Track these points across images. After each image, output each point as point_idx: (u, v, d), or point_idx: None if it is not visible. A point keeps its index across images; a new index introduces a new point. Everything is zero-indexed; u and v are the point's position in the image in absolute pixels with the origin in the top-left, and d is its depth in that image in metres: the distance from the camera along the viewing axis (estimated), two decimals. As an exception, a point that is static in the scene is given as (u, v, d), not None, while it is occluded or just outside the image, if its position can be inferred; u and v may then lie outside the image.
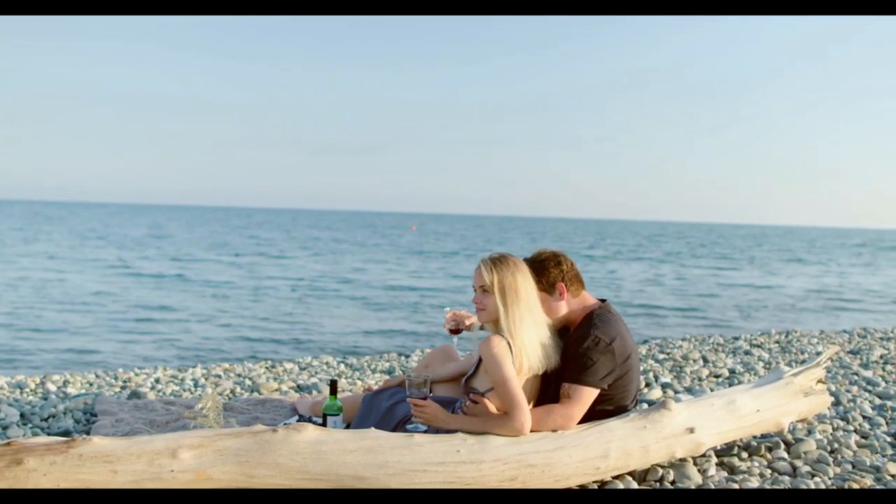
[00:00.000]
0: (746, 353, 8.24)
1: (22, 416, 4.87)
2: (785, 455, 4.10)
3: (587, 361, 3.42)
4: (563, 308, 3.66)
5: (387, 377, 6.64)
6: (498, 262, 3.41)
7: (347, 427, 4.00)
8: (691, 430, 3.65)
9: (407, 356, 8.21)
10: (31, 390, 5.88)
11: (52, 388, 5.94)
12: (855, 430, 4.71)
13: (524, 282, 3.39)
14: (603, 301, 3.77)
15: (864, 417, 5.04)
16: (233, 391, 5.84)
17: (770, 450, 4.19)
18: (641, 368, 6.77)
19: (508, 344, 3.29)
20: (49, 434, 4.50)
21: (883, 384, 6.26)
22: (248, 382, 6.23)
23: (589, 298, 3.72)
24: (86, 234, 48.54)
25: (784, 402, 4.16)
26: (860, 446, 4.37)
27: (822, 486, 3.65)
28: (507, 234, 77.19)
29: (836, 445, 4.31)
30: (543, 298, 3.58)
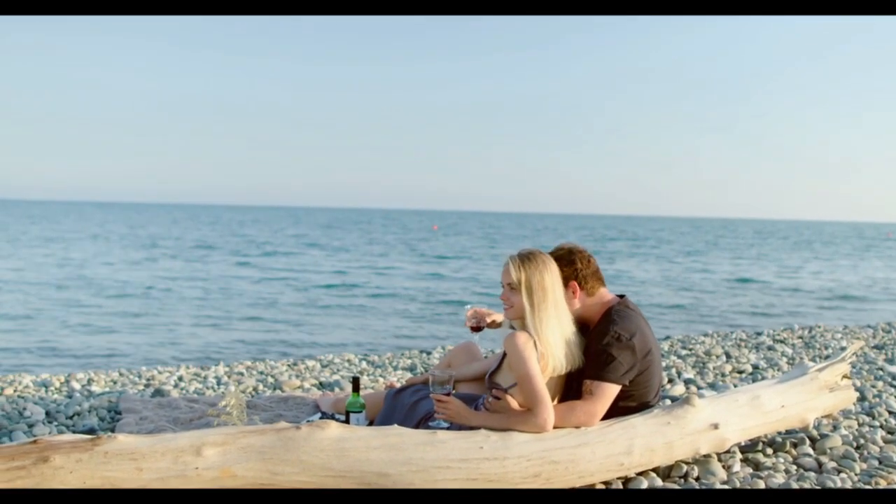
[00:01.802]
0: (769, 348, 8.18)
1: (47, 413, 4.92)
2: (810, 451, 4.07)
3: (608, 358, 3.40)
4: (576, 305, 3.62)
5: (408, 374, 6.65)
6: (527, 259, 3.38)
7: (370, 424, 4.02)
8: (715, 426, 3.62)
9: (428, 353, 8.21)
10: (56, 388, 5.93)
11: (77, 386, 5.99)
12: (881, 426, 4.66)
13: (552, 280, 3.37)
14: (622, 297, 3.74)
15: (889, 413, 4.99)
16: (255, 389, 5.87)
17: (795, 446, 4.15)
18: (664, 364, 6.74)
19: (534, 342, 3.28)
20: (74, 432, 4.54)
21: (909, 379, 6.19)
22: (270, 380, 6.26)
23: (607, 295, 3.68)
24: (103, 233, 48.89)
25: (809, 398, 4.12)
26: (886, 442, 4.33)
27: (849, 483, 3.62)
28: (520, 231, 77.07)
29: (861, 441, 4.26)
30: None
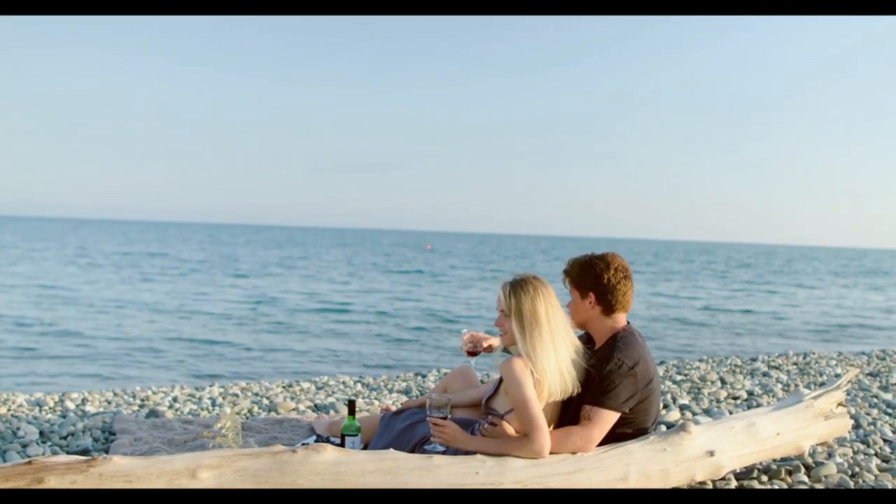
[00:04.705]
0: (764, 374, 8.18)
1: (41, 433, 4.90)
2: (805, 479, 4.07)
3: (609, 384, 3.39)
4: (585, 314, 3.62)
5: (404, 397, 6.63)
6: (516, 286, 3.38)
7: (365, 448, 4.00)
8: (711, 453, 3.62)
9: (423, 376, 8.19)
10: (50, 408, 5.91)
11: (71, 405, 5.97)
12: (876, 454, 4.66)
13: (544, 307, 3.33)
14: (627, 323, 3.73)
15: (884, 441, 4.99)
16: (250, 410, 5.85)
17: (790, 473, 4.15)
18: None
19: (531, 368, 3.27)
20: (68, 452, 4.51)
21: (903, 407, 6.19)
22: (265, 402, 6.24)
23: (622, 321, 3.65)
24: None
25: (804, 426, 4.13)
26: (881, 470, 4.32)
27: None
28: (515, 253, 77.05)
29: (856, 469, 4.26)
30: (573, 294, 3.61)
